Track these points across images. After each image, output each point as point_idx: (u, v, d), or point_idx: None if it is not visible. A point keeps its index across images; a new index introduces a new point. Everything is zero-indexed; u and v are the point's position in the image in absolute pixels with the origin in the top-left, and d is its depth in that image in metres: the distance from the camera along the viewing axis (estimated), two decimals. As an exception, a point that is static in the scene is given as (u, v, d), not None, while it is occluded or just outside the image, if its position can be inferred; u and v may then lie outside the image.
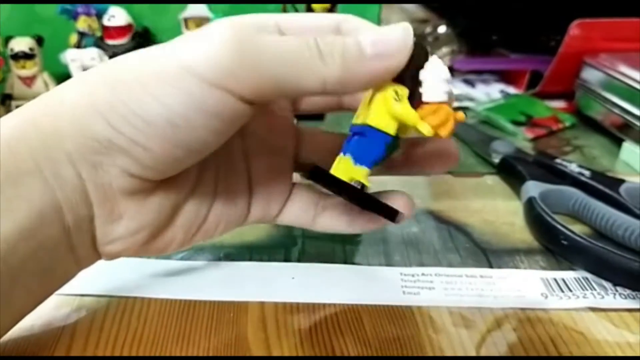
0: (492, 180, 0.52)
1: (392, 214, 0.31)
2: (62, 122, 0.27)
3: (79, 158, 0.27)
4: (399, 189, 0.46)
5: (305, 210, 0.36)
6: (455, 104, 0.64)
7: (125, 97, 0.26)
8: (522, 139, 0.60)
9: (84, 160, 0.27)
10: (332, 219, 0.35)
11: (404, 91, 0.29)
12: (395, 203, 0.32)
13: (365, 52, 0.27)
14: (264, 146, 0.35)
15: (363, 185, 0.30)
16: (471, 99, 0.70)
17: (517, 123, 0.63)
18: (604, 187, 0.45)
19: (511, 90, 0.74)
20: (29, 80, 0.60)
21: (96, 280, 0.36)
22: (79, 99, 0.27)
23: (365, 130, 0.29)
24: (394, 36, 0.27)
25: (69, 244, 0.29)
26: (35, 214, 0.26)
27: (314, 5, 0.61)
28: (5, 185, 0.26)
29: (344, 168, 0.29)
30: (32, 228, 0.26)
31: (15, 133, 0.27)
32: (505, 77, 0.77)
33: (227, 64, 0.25)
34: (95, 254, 0.31)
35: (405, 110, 0.28)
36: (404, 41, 0.27)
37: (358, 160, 0.29)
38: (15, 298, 0.28)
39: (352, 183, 0.29)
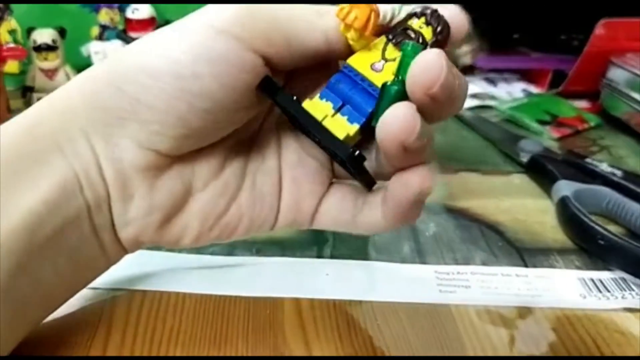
0: (519, 179, 0.52)
1: (368, 182, 0.31)
2: (74, 99, 0.28)
3: (92, 132, 0.28)
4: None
5: (343, 211, 0.33)
6: (478, 102, 0.64)
7: (131, 54, 0.27)
8: (548, 138, 0.60)
9: (97, 134, 0.28)
10: (372, 216, 0.32)
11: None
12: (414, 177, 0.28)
13: None
14: (300, 148, 0.33)
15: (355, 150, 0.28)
16: (493, 98, 0.70)
17: (542, 122, 0.62)
18: (637, 187, 0.45)
19: (533, 89, 0.73)
20: (50, 73, 0.59)
21: (131, 274, 0.36)
22: (89, 76, 0.29)
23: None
24: None
25: (92, 223, 0.29)
26: (57, 187, 0.27)
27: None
28: (31, 165, 0.27)
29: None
30: (56, 201, 0.27)
31: (37, 119, 0.28)
32: (526, 76, 0.76)
33: (237, 14, 0.26)
34: (118, 245, 0.30)
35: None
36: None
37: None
38: (45, 278, 0.28)
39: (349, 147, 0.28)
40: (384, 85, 0.27)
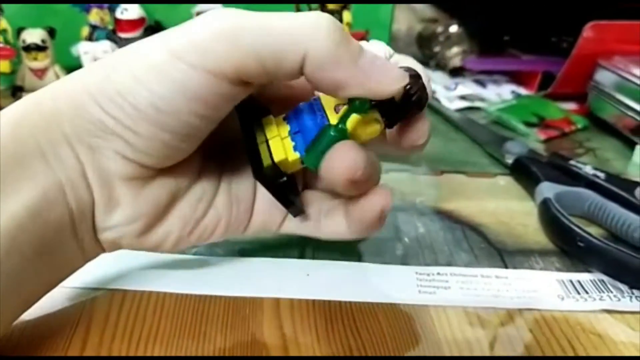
0: (505, 181, 0.52)
1: (295, 210, 0.33)
2: (61, 104, 0.28)
3: (77, 140, 0.28)
4: (412, 187, 0.46)
5: (309, 217, 0.35)
6: (467, 104, 0.64)
7: (114, 81, 0.27)
8: (534, 140, 0.60)
9: (81, 143, 0.28)
10: (336, 225, 0.33)
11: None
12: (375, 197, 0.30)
13: (362, 53, 0.27)
14: None
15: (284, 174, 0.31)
16: (482, 99, 0.70)
17: (529, 124, 0.63)
18: (619, 189, 0.45)
19: (522, 91, 0.73)
20: (40, 72, 0.59)
21: (111, 273, 0.36)
22: (77, 82, 0.28)
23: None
24: (392, 72, 0.27)
25: (73, 228, 0.29)
26: (40, 193, 0.27)
27: (328, 5, 0.61)
28: (13, 167, 0.27)
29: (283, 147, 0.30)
30: (38, 207, 0.27)
31: (21, 116, 0.28)
32: (516, 77, 0.76)
33: (207, 43, 0.26)
34: (97, 244, 0.31)
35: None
36: (397, 82, 0.27)
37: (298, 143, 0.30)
38: (25, 278, 0.28)
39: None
40: (324, 126, 0.29)
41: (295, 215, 0.34)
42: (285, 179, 0.31)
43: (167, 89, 0.26)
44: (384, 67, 0.27)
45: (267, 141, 0.31)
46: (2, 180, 0.26)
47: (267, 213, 0.35)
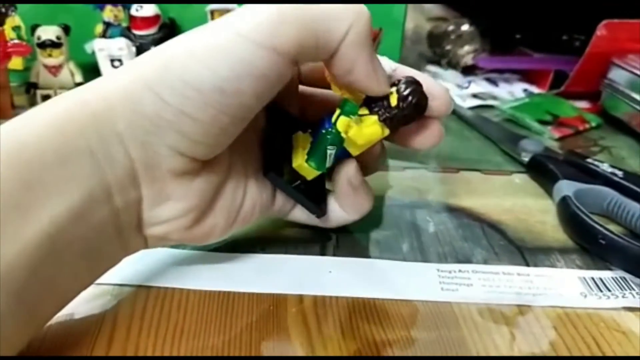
0: (520, 179, 0.52)
1: (314, 211, 0.38)
2: (114, 101, 0.28)
3: (130, 138, 0.28)
4: (428, 185, 0.47)
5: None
6: (479, 102, 0.64)
7: (177, 68, 0.27)
8: (549, 138, 0.60)
9: (135, 141, 0.28)
10: (335, 213, 0.39)
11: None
12: None
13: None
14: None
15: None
16: (494, 98, 0.70)
17: (543, 122, 0.63)
18: (637, 187, 0.45)
19: (534, 89, 0.73)
20: (54, 69, 0.59)
21: (134, 270, 0.36)
22: (131, 78, 0.28)
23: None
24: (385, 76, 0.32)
25: (117, 226, 0.29)
26: (85, 196, 0.27)
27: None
28: (55, 165, 0.26)
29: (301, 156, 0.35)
30: (81, 210, 0.27)
31: (67, 114, 0.27)
32: (527, 76, 0.76)
33: (274, 23, 0.27)
34: (140, 239, 0.31)
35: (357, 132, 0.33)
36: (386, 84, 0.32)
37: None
38: (61, 280, 0.28)
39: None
40: (321, 132, 0.33)
41: (313, 213, 0.38)
42: (299, 182, 0.36)
43: (233, 69, 0.27)
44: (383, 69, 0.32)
45: (291, 150, 0.36)
46: (46, 181, 0.26)
47: (281, 199, 0.37)
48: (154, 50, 0.29)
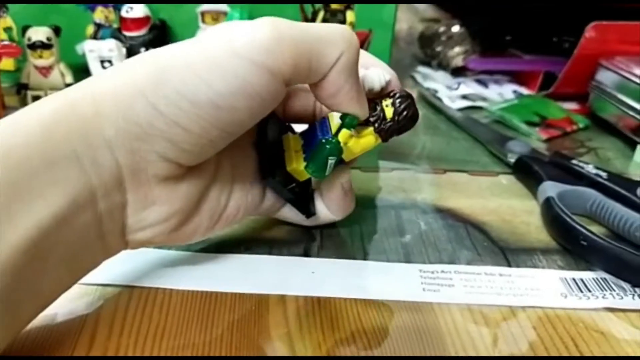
0: (507, 180, 0.52)
1: (307, 212, 0.39)
2: (105, 106, 0.28)
3: (118, 144, 0.28)
4: (414, 186, 0.47)
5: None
6: (469, 103, 0.65)
7: (173, 79, 0.27)
8: (536, 140, 0.61)
9: (123, 147, 0.28)
10: (320, 212, 0.40)
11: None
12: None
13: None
14: None
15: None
16: (484, 99, 0.70)
17: (531, 124, 0.63)
18: (621, 188, 0.45)
19: (524, 90, 0.74)
20: (45, 70, 0.59)
21: (117, 270, 0.36)
22: (123, 83, 0.28)
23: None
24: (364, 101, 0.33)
25: (99, 231, 0.29)
26: (69, 201, 0.27)
27: (332, 5, 0.61)
28: (41, 169, 0.26)
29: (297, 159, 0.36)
30: (65, 214, 0.27)
31: (54, 117, 0.27)
32: (517, 77, 0.77)
33: (268, 43, 0.27)
34: (122, 243, 0.31)
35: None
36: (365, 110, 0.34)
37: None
38: (44, 284, 0.28)
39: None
40: (320, 140, 0.34)
41: (304, 215, 0.39)
42: (294, 185, 0.36)
43: (229, 86, 0.27)
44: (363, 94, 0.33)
45: (283, 152, 0.37)
46: (32, 186, 0.26)
47: (272, 199, 0.38)
48: (146, 56, 0.30)
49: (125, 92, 0.28)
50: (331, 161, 0.34)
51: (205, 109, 0.28)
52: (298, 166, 0.35)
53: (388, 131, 0.35)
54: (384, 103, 0.34)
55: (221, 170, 0.34)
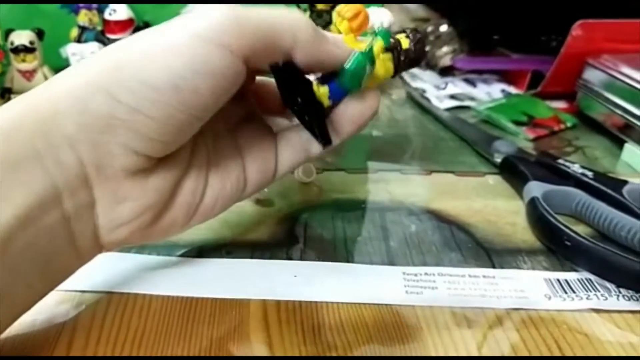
0: (494, 180, 0.52)
1: (325, 140, 0.35)
2: (62, 104, 0.27)
3: (80, 140, 0.27)
4: (401, 187, 0.47)
5: (297, 150, 0.37)
6: (457, 103, 0.64)
7: (130, 67, 0.27)
8: (524, 139, 0.60)
9: (85, 142, 0.28)
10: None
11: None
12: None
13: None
14: (245, 112, 0.37)
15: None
16: (472, 98, 0.70)
17: (519, 123, 0.63)
18: (607, 188, 0.45)
19: (512, 90, 0.73)
20: (28, 74, 0.59)
21: (96, 276, 0.36)
22: (79, 79, 0.28)
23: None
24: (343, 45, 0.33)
25: (69, 233, 0.29)
26: (33, 201, 0.26)
27: (318, 5, 0.61)
28: (3, 172, 0.26)
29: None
30: (30, 215, 0.26)
31: (15, 120, 0.27)
32: (506, 76, 0.76)
33: (226, 23, 0.28)
34: (96, 246, 0.31)
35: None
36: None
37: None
38: (16, 291, 0.27)
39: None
40: (354, 53, 0.33)
41: (322, 144, 0.35)
42: (314, 108, 0.34)
43: (188, 67, 0.27)
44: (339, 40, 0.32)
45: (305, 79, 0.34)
46: None
47: (260, 172, 0.36)
48: (102, 52, 0.30)
49: (81, 86, 0.27)
50: (367, 72, 0.33)
51: (166, 92, 0.27)
52: (320, 90, 0.34)
53: (405, 60, 0.35)
54: (398, 36, 0.35)
55: (195, 161, 0.33)
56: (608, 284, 0.38)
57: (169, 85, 0.27)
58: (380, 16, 0.34)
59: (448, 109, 0.66)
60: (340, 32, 0.33)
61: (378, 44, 0.33)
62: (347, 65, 0.33)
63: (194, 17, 0.28)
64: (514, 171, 0.50)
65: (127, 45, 0.29)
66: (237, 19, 0.28)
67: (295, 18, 0.30)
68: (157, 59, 0.27)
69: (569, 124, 0.63)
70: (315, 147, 0.37)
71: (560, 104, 0.69)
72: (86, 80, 0.28)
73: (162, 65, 0.27)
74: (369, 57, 0.33)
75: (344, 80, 0.33)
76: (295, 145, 0.37)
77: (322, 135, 0.35)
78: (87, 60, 0.29)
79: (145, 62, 0.27)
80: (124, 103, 0.27)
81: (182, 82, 0.27)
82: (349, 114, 0.35)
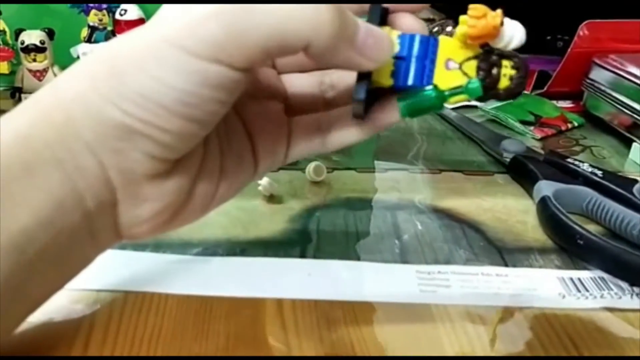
0: (503, 179, 0.52)
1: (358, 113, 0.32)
2: (75, 111, 0.27)
3: (100, 146, 0.27)
4: (410, 186, 0.47)
5: (311, 138, 0.35)
6: (463, 103, 0.64)
7: (131, 84, 0.26)
8: (531, 138, 0.61)
9: (105, 148, 0.27)
10: (342, 133, 0.35)
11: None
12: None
13: (357, 33, 0.27)
14: (253, 96, 0.35)
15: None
16: (479, 98, 0.70)
17: (526, 122, 0.63)
18: (617, 187, 0.45)
19: (518, 89, 0.73)
20: (39, 74, 0.59)
21: (112, 275, 0.36)
22: (85, 89, 0.27)
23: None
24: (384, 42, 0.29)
25: (90, 228, 0.29)
26: (54, 204, 0.26)
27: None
28: (23, 177, 0.26)
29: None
30: (51, 217, 0.26)
31: (30, 127, 0.27)
32: (511, 76, 0.76)
33: (215, 37, 0.25)
34: (116, 238, 0.31)
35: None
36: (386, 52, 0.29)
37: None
38: (32, 287, 0.28)
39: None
40: (428, 88, 0.30)
41: (355, 115, 0.32)
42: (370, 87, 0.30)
43: (190, 83, 0.26)
44: (376, 41, 0.28)
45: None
46: (13, 192, 0.25)
47: (270, 153, 0.35)
48: (100, 53, 0.28)
49: (91, 99, 0.27)
50: (433, 108, 0.30)
51: (176, 108, 0.26)
52: (386, 81, 0.30)
53: (489, 96, 0.30)
54: (504, 67, 0.30)
55: (209, 154, 0.33)
56: (621, 283, 0.38)
57: (176, 102, 0.26)
58: (512, 30, 0.29)
59: (455, 108, 0.67)
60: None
61: (455, 99, 0.30)
62: (406, 97, 0.30)
63: (182, 32, 0.26)
64: (523, 170, 0.50)
65: (118, 49, 0.28)
66: (237, 36, 0.25)
67: (311, 17, 0.26)
68: (155, 76, 0.26)
69: (575, 124, 0.64)
70: (331, 142, 0.35)
71: (566, 104, 0.69)
72: (92, 90, 0.27)
73: (163, 83, 0.26)
74: (439, 102, 0.30)
75: (409, 94, 0.30)
76: (310, 131, 0.35)
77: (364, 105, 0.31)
78: (87, 62, 0.29)
79: (147, 80, 0.26)
80: (135, 116, 0.27)
81: (188, 98, 0.26)
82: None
